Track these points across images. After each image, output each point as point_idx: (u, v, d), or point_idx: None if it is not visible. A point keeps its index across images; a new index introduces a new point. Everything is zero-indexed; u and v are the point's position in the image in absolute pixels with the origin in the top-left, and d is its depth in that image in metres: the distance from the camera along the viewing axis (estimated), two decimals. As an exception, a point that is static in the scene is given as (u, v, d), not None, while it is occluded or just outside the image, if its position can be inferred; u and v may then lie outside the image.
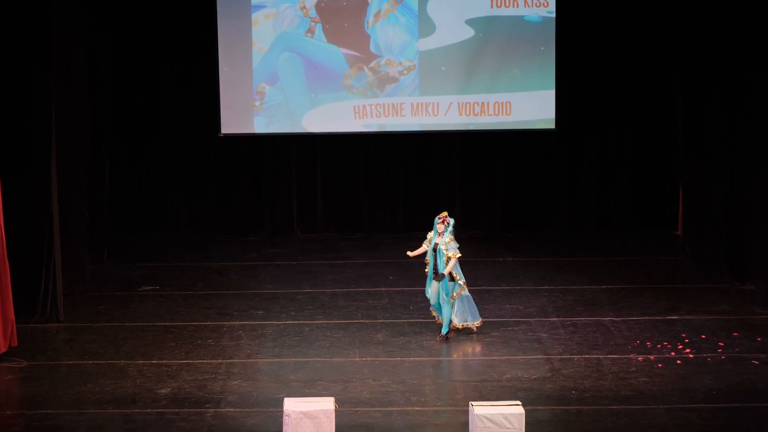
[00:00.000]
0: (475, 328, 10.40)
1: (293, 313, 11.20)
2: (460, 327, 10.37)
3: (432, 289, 10.24)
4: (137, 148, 14.16)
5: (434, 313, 10.43)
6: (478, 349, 10.17)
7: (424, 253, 10.30)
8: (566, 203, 14.45)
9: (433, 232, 10.23)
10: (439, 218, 10.19)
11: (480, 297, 11.47)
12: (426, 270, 10.35)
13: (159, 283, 12.28)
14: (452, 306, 10.26)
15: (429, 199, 14.22)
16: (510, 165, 14.40)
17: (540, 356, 9.92)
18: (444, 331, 10.35)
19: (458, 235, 14.16)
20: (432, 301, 10.29)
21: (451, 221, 10.18)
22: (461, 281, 10.21)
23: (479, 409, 7.98)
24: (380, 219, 14.47)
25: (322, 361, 9.85)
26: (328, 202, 14.45)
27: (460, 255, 10.16)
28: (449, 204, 14.18)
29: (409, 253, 10.33)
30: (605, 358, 9.84)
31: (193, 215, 14.37)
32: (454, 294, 10.21)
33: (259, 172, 14.34)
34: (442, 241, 10.13)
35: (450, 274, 10.15)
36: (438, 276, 10.16)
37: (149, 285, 12.17)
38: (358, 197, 14.42)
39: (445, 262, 10.13)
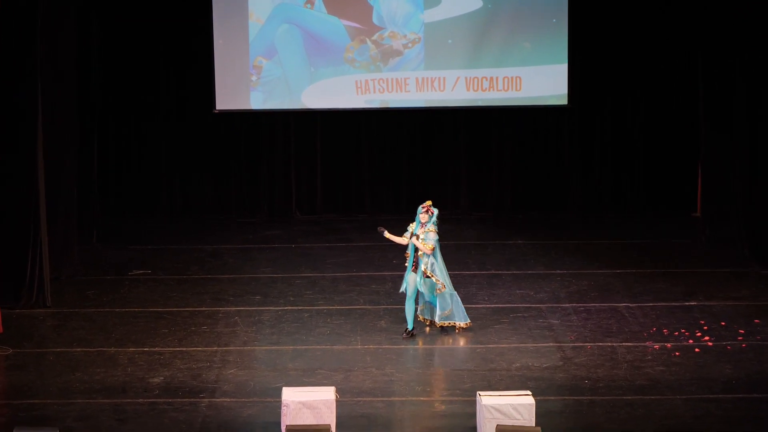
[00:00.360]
0: (458, 329, 10.04)
1: (292, 299, 11.09)
2: (438, 325, 10.04)
3: (410, 278, 9.90)
4: (128, 127, 14.17)
5: (409, 315, 9.93)
6: (481, 338, 10.02)
7: (404, 245, 9.82)
8: (579, 183, 14.37)
9: (415, 222, 9.77)
10: (423, 207, 9.92)
11: (488, 282, 11.58)
12: (405, 264, 10.01)
13: (151, 266, 12.18)
14: (437, 299, 9.98)
15: (434, 178, 14.25)
16: (520, 143, 14.35)
17: (551, 344, 9.81)
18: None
19: (465, 217, 14.01)
20: (408, 293, 9.94)
21: (435, 211, 9.79)
22: (439, 282, 9.79)
23: (487, 399, 7.86)
24: (383, 200, 14.39)
25: (322, 348, 9.75)
26: (328, 182, 14.39)
27: (431, 247, 9.74)
28: (455, 184, 14.19)
29: (387, 234, 9.82)
30: (620, 346, 9.74)
31: (186, 196, 14.37)
32: (436, 291, 9.91)
33: (256, 151, 14.32)
34: (423, 232, 9.68)
35: (426, 271, 9.74)
36: (415, 267, 9.86)
37: (141, 269, 12.08)
38: (360, 177, 14.36)
39: (421, 252, 9.71)
